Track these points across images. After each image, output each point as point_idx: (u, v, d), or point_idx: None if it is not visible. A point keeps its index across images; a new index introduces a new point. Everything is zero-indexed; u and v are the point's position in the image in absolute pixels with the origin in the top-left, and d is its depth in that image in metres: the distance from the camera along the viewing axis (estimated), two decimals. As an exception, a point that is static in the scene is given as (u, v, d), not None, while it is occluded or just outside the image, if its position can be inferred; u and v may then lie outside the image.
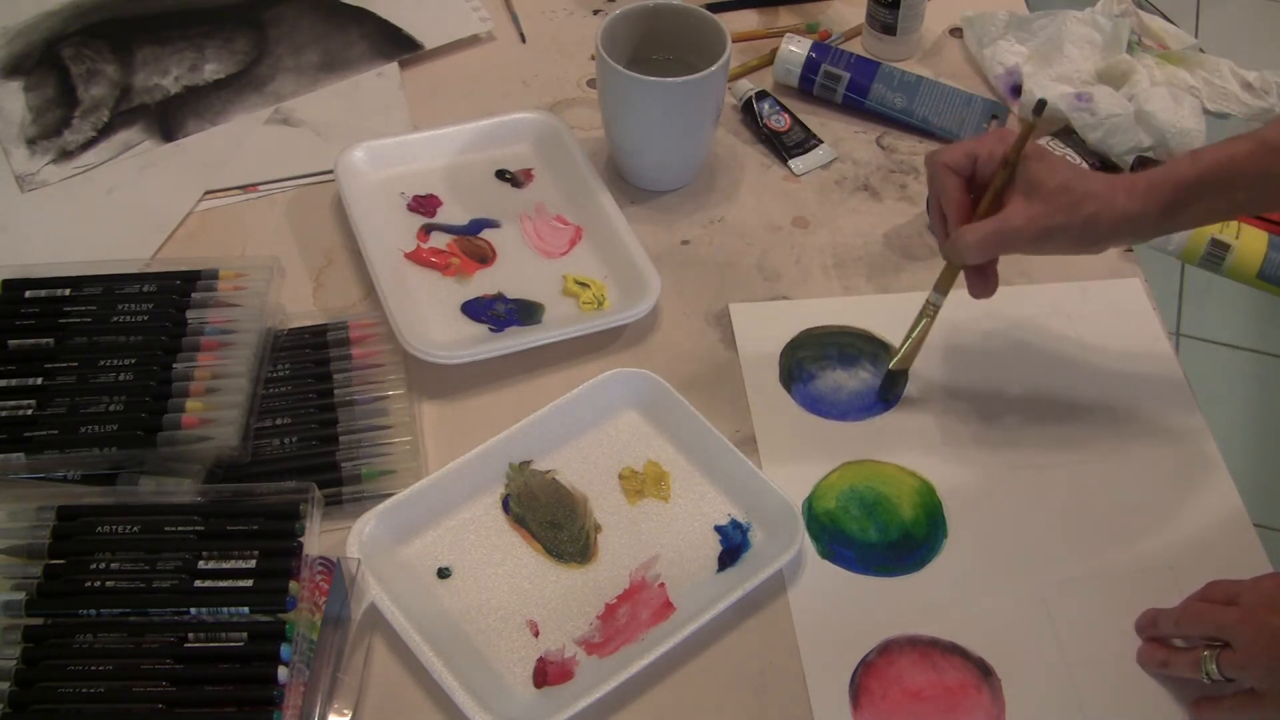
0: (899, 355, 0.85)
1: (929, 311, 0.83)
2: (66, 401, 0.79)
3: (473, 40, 1.13)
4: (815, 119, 1.06)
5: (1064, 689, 0.73)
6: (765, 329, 0.90)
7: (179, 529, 0.73)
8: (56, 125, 1.04)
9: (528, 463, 0.82)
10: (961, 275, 0.81)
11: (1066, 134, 1.02)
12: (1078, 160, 0.99)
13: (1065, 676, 0.73)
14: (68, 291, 0.85)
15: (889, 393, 0.86)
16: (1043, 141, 1.01)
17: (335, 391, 0.84)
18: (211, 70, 1.08)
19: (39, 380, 0.80)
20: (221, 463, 0.79)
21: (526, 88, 1.09)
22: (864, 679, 0.73)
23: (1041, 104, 0.76)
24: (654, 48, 0.97)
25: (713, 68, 0.91)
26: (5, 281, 0.86)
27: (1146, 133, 1.00)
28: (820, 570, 0.77)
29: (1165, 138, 1.00)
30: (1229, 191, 0.75)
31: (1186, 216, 0.76)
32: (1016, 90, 1.06)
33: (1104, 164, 1.00)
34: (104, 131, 1.03)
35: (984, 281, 0.80)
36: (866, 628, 0.75)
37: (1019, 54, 1.07)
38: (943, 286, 0.82)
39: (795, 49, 1.06)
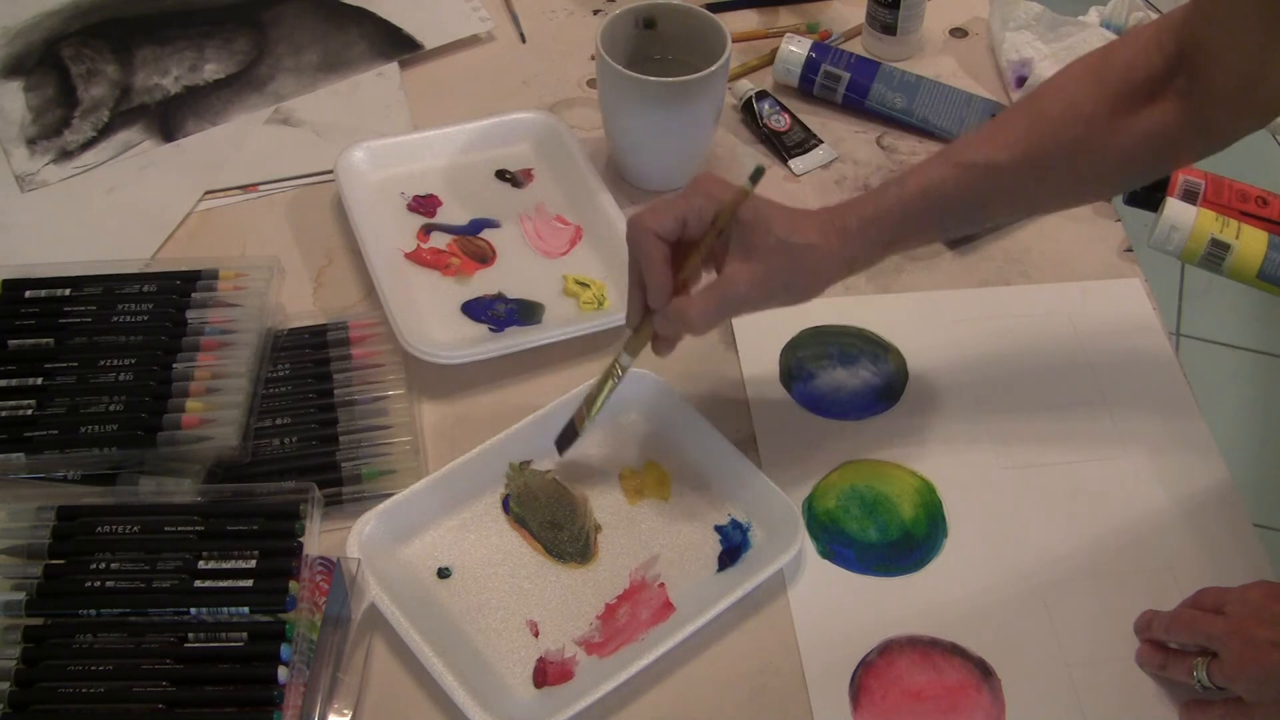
0: (587, 415, 0.78)
1: (615, 373, 0.77)
2: (66, 401, 0.79)
3: (473, 40, 1.13)
4: (815, 119, 1.06)
5: (1064, 689, 0.73)
6: (765, 329, 0.90)
7: (179, 529, 0.73)
8: (56, 125, 1.04)
9: (528, 463, 0.82)
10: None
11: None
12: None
13: (1065, 676, 0.73)
14: (68, 291, 0.85)
15: (562, 446, 0.80)
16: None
17: (335, 391, 0.84)
18: (211, 70, 1.08)
19: (39, 380, 0.80)
20: (221, 463, 0.79)
21: (526, 88, 1.09)
22: (864, 679, 0.73)
23: (759, 171, 0.72)
24: (654, 48, 0.97)
25: (713, 68, 0.91)
26: (5, 281, 0.86)
27: None
28: (820, 570, 0.77)
29: None
30: (939, 219, 0.76)
31: (902, 247, 0.77)
32: (1021, 81, 1.06)
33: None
34: (104, 131, 1.03)
35: (669, 344, 0.77)
36: (866, 628, 0.75)
37: (1038, 51, 1.07)
38: (633, 349, 0.77)
39: (795, 49, 1.06)
